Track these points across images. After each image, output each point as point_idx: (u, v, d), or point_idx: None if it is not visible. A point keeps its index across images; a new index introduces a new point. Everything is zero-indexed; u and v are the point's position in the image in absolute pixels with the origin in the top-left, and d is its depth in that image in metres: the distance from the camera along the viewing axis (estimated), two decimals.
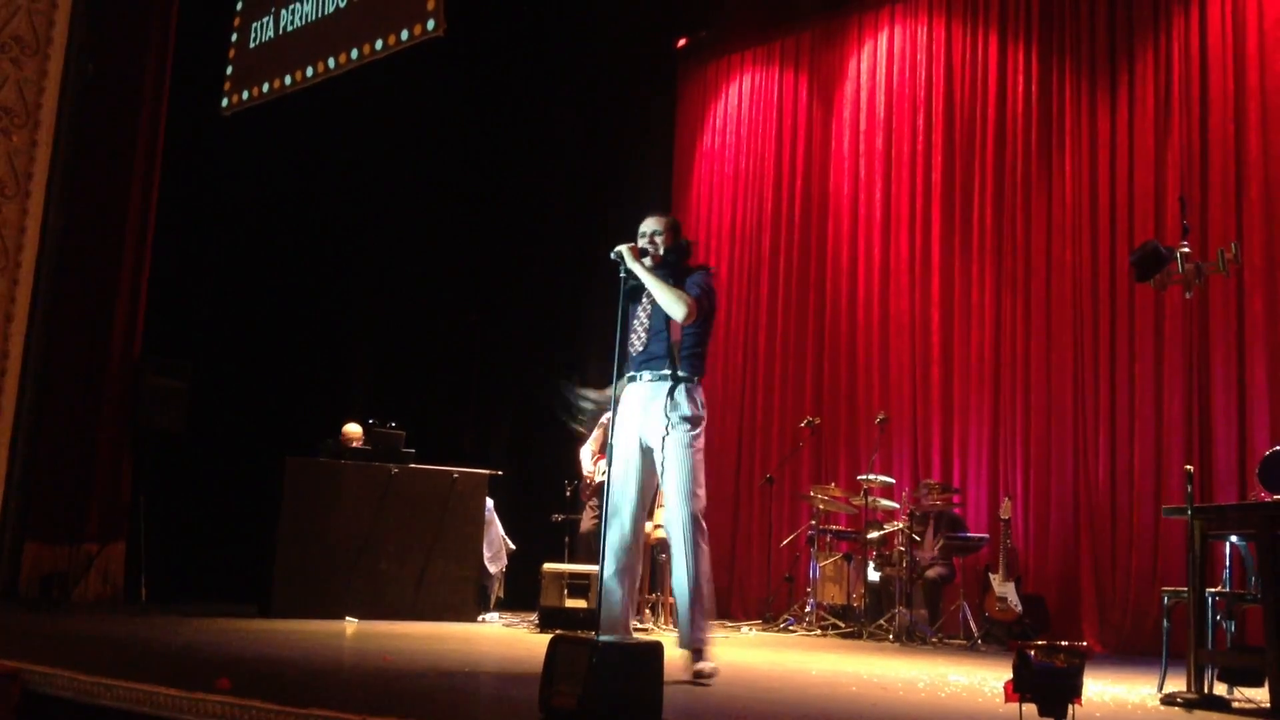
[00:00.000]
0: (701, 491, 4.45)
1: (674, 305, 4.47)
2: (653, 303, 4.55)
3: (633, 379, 4.60)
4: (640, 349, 4.59)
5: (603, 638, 3.35)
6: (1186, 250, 4.68)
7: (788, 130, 10.30)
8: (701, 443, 4.50)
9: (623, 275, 4.53)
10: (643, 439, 4.51)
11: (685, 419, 4.44)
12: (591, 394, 4.91)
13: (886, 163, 9.51)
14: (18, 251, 7.44)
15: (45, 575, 7.17)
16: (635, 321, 4.64)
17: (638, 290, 4.62)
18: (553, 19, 9.84)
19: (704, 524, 4.44)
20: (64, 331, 7.67)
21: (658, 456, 4.44)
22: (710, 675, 4.23)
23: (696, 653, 4.33)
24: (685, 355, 4.50)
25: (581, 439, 7.88)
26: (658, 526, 6.78)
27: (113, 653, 4.49)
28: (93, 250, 7.85)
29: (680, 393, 4.47)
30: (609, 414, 7.48)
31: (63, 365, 7.65)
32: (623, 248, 4.54)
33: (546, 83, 10.20)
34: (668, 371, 4.49)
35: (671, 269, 4.59)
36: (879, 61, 9.71)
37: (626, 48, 10.17)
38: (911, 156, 9.35)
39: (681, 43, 11.16)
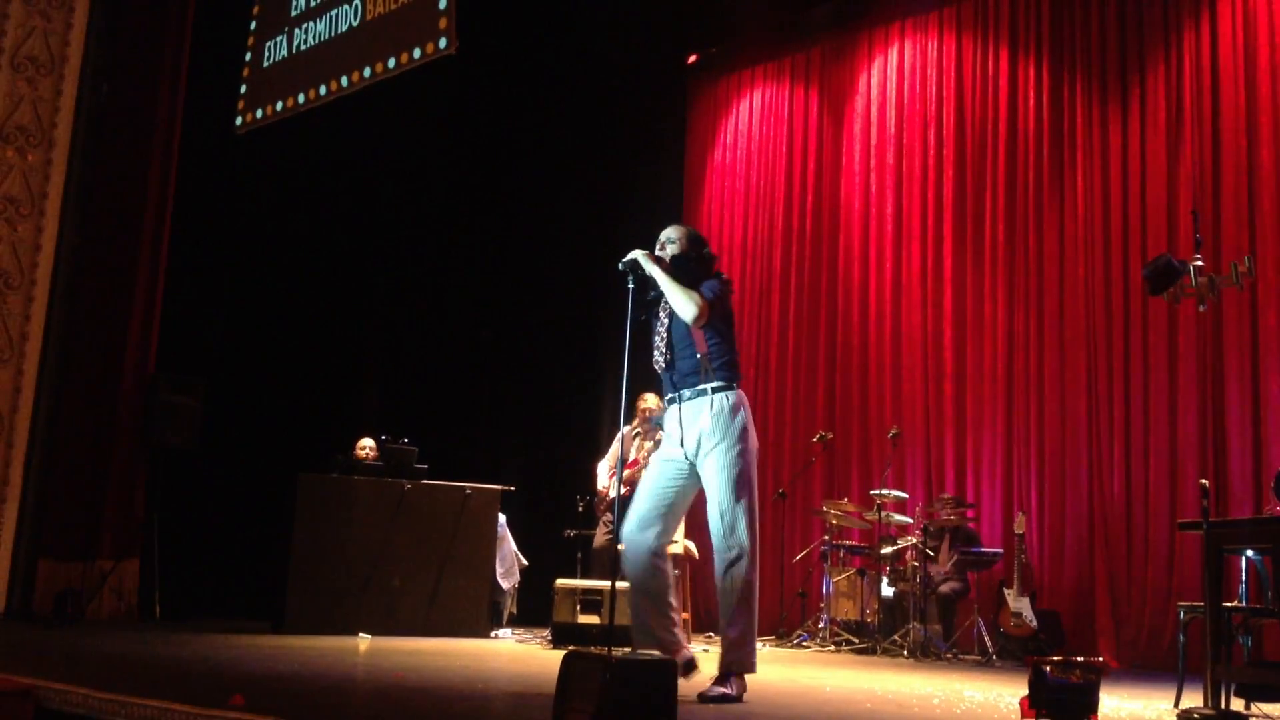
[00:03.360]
0: (750, 502, 4.28)
1: (685, 305, 4.35)
2: (671, 314, 4.45)
3: (673, 400, 4.48)
4: (664, 364, 4.50)
5: (617, 653, 3.34)
6: (1199, 264, 4.67)
7: (798, 145, 10.31)
8: (751, 452, 4.35)
9: (630, 287, 4.42)
10: (687, 454, 4.38)
11: (730, 429, 4.31)
12: None
13: (897, 178, 9.51)
14: (33, 269, 7.55)
15: (59, 592, 7.19)
16: (656, 336, 4.55)
17: (655, 302, 4.55)
18: (564, 36, 9.88)
19: (755, 536, 4.29)
20: (78, 348, 7.74)
21: (700, 470, 4.33)
22: (717, 699, 4.13)
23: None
24: (716, 364, 4.40)
25: (598, 455, 7.88)
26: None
27: (126, 669, 4.50)
28: (107, 268, 7.90)
29: (720, 402, 4.34)
30: (626, 428, 7.56)
31: (76, 382, 7.71)
32: (637, 253, 4.45)
33: (557, 99, 10.23)
34: (706, 385, 4.38)
35: (683, 276, 4.47)
36: (889, 77, 9.72)
37: (638, 64, 10.20)
38: (923, 171, 9.35)
39: (692, 59, 11.20)
